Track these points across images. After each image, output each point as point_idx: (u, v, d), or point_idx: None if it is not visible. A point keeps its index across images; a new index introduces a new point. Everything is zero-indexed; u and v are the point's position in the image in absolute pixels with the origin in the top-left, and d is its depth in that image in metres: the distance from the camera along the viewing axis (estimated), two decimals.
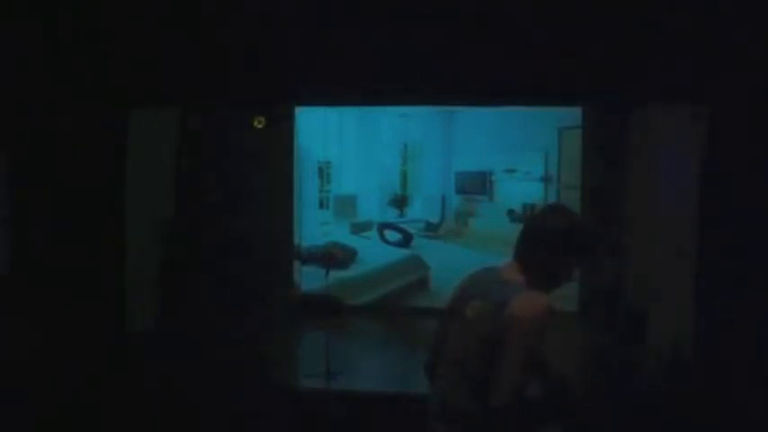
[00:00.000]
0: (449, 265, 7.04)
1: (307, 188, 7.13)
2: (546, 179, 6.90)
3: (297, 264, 6.71)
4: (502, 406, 1.98)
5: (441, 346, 2.31)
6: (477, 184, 7.34)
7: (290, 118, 6.45)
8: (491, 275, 2.23)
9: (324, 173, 7.43)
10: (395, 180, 7.47)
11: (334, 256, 6.88)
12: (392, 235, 7.43)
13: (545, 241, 2.13)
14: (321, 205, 7.44)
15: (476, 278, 2.28)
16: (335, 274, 6.63)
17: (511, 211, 7.07)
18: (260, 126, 6.15)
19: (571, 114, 6.39)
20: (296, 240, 6.67)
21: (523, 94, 5.87)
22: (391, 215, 7.46)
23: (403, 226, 7.42)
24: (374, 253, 7.29)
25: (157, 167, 5.87)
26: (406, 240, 7.37)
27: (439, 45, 5.46)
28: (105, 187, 5.56)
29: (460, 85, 5.76)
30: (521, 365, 2.00)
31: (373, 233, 7.46)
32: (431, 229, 7.43)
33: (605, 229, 5.62)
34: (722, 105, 5.03)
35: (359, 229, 7.46)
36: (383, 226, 7.45)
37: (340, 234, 7.37)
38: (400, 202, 7.46)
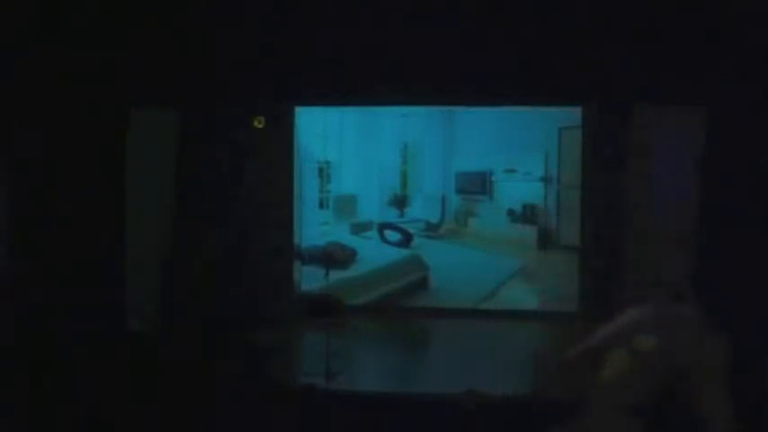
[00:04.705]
0: (449, 265, 7.04)
1: (307, 188, 7.13)
2: (546, 179, 6.89)
3: (297, 264, 6.71)
4: None
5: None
6: (477, 184, 7.33)
7: (290, 118, 6.45)
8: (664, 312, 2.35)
9: (324, 173, 7.42)
10: (395, 180, 7.46)
11: (334, 256, 6.87)
12: (392, 235, 7.43)
13: None
14: (321, 205, 7.43)
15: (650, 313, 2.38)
16: (335, 274, 6.63)
17: (511, 211, 7.06)
18: (260, 126, 6.15)
19: (571, 114, 6.39)
20: (296, 240, 6.67)
21: (523, 94, 5.88)
22: (391, 215, 7.45)
23: (403, 226, 7.41)
24: (374, 253, 7.29)
25: (157, 168, 5.86)
26: (406, 240, 7.36)
27: (439, 45, 5.46)
28: (105, 188, 5.56)
29: (460, 85, 5.76)
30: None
31: (373, 233, 7.45)
32: (431, 229, 7.43)
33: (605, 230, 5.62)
34: (722, 105, 5.03)
35: (359, 229, 7.46)
36: (383, 226, 7.45)
37: (340, 234, 7.36)
38: (400, 202, 7.46)
